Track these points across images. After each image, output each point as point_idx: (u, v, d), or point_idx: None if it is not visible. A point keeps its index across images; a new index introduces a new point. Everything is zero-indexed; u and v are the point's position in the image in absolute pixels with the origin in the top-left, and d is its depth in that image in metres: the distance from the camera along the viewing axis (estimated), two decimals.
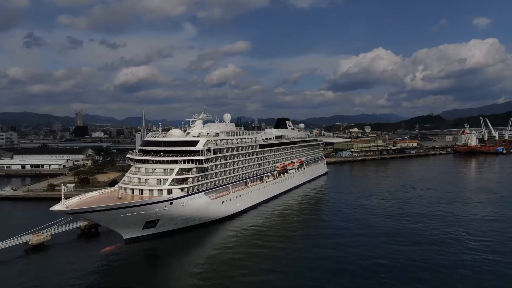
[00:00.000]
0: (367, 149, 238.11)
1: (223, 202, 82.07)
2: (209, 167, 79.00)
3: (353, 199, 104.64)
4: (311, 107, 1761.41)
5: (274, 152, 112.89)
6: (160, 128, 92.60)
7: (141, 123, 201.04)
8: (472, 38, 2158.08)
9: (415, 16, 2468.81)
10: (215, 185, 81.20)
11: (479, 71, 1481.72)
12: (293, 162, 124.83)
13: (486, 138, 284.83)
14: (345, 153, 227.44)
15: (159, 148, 75.20)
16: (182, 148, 74.87)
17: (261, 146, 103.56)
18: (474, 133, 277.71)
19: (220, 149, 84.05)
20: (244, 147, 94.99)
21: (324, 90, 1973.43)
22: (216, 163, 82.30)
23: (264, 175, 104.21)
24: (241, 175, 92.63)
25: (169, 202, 67.84)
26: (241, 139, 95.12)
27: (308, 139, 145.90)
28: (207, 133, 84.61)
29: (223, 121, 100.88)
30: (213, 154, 79.64)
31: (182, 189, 71.32)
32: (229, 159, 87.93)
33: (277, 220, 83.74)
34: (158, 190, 69.76)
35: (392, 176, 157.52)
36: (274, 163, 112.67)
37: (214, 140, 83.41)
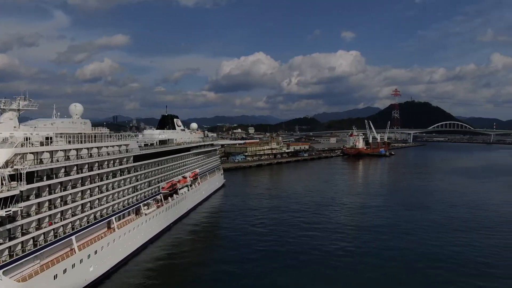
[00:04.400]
0: (261, 153, 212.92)
1: (54, 277, 41.16)
2: (19, 213, 37.63)
3: (267, 229, 72.98)
4: (193, 107, 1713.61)
5: (158, 165, 74.48)
6: None
7: None
8: (339, 49, 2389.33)
9: (293, 24, 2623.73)
10: (35, 246, 40.10)
11: (344, 79, 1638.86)
12: (184, 178, 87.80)
13: (370, 141, 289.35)
14: (238, 158, 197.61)
15: None
16: None
17: (137, 158, 64.35)
18: (361, 135, 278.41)
19: (50, 170, 43.01)
20: (106, 163, 54.91)
21: (206, 91, 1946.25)
22: (38, 200, 41.08)
23: (142, 203, 65.21)
24: (98, 213, 52.46)
25: None
26: (101, 147, 54.61)
27: (203, 143, 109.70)
28: (27, 138, 42.40)
29: (71, 117, 58.23)
30: (30, 181, 38.67)
31: None
32: (73, 186, 47.33)
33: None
34: None
35: (303, 183, 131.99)
36: (158, 181, 74.27)
37: (36, 153, 41.94)
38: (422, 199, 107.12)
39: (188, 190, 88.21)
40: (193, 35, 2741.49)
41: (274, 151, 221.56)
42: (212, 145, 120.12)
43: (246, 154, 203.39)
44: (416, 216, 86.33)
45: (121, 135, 65.77)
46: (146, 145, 74.87)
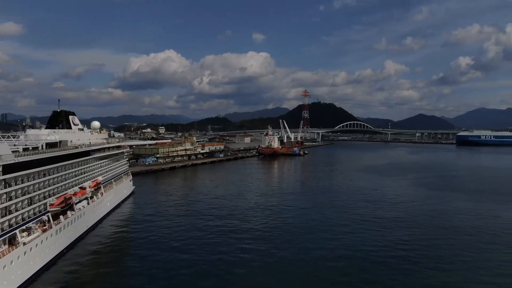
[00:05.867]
0: (174, 154, 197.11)
1: None
2: None
3: (184, 242, 61.24)
4: (98, 105, 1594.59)
5: (45, 175, 57.42)
6: None
7: None
8: (250, 50, 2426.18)
9: (205, 24, 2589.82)
10: None
11: (254, 80, 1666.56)
12: (83, 189, 70.91)
13: (285, 140, 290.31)
14: (149, 160, 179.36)
15: None
16: None
17: (10, 168, 47.32)
18: (277, 135, 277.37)
19: None
20: None
21: (113, 88, 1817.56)
22: None
23: (18, 229, 48.28)
24: None
25: None
26: None
27: (108, 145, 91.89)
28: None
29: None
30: None
31: None
32: None
33: None
34: None
35: (222, 186, 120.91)
36: (45, 197, 57.19)
37: None
38: (341, 197, 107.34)
39: (88, 203, 71.53)
40: (98, 28, 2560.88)
41: (188, 152, 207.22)
42: (118, 147, 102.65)
43: (158, 155, 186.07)
44: (335, 214, 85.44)
45: None
46: (26, 149, 56.93)
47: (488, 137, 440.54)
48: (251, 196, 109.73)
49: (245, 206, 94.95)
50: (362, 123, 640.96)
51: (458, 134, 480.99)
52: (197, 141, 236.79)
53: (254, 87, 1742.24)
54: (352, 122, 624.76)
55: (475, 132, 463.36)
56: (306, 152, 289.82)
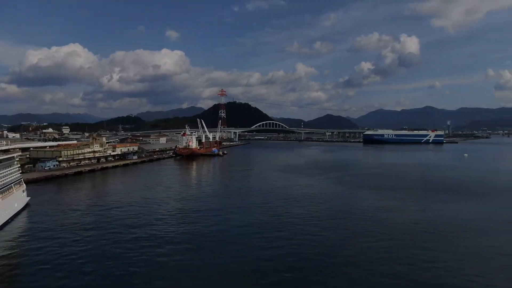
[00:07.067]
0: (81, 157, 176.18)
1: None
2: None
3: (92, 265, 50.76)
4: None
5: None
6: None
7: None
8: (164, 47, 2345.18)
9: (115, 18, 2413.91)
10: None
11: (169, 78, 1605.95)
12: None
13: (203, 140, 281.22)
14: (49, 164, 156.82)
15: None
16: None
17: None
18: (194, 135, 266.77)
19: None
20: None
21: (6, 84, 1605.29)
22: None
23: None
24: None
25: None
26: None
27: None
28: None
29: None
30: None
31: None
32: None
33: None
34: None
35: (137, 192, 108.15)
36: None
37: None
38: (263, 198, 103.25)
39: None
40: None
41: (97, 155, 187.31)
42: (7, 151, 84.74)
43: (61, 159, 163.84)
44: (259, 217, 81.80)
45: None
46: None
47: (390, 136, 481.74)
48: (170, 201, 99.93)
49: (163, 212, 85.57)
50: (277, 122, 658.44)
51: (365, 133, 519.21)
52: (107, 142, 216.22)
53: (168, 85, 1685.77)
54: (267, 122, 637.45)
55: (379, 131, 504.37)
56: (225, 152, 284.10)
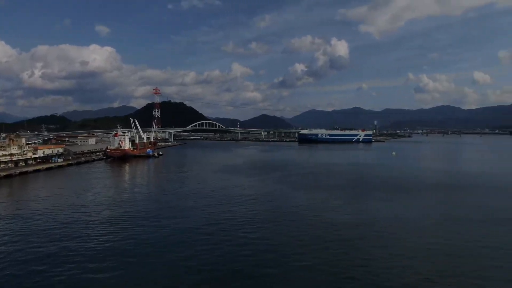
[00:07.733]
0: None
1: None
2: None
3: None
4: None
5: None
6: None
7: None
8: (93, 43, 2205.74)
9: (36, 8, 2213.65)
10: None
11: (98, 75, 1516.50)
12: None
13: (137, 141, 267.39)
14: None
15: None
16: None
17: None
18: (127, 135, 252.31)
19: None
20: None
21: None
22: None
23: None
24: None
25: None
26: None
27: None
28: None
29: None
30: None
31: None
32: None
33: None
34: None
35: (60, 198, 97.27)
36: None
37: None
38: (203, 201, 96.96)
39: None
40: None
41: (14, 158, 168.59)
42: None
43: None
44: (197, 221, 75.66)
45: None
46: None
47: (323, 135, 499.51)
48: (100, 208, 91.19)
49: (92, 220, 77.45)
50: (213, 122, 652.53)
51: (300, 132, 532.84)
52: (27, 144, 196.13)
53: (97, 83, 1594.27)
54: (203, 121, 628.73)
55: (314, 131, 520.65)
56: (160, 153, 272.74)
